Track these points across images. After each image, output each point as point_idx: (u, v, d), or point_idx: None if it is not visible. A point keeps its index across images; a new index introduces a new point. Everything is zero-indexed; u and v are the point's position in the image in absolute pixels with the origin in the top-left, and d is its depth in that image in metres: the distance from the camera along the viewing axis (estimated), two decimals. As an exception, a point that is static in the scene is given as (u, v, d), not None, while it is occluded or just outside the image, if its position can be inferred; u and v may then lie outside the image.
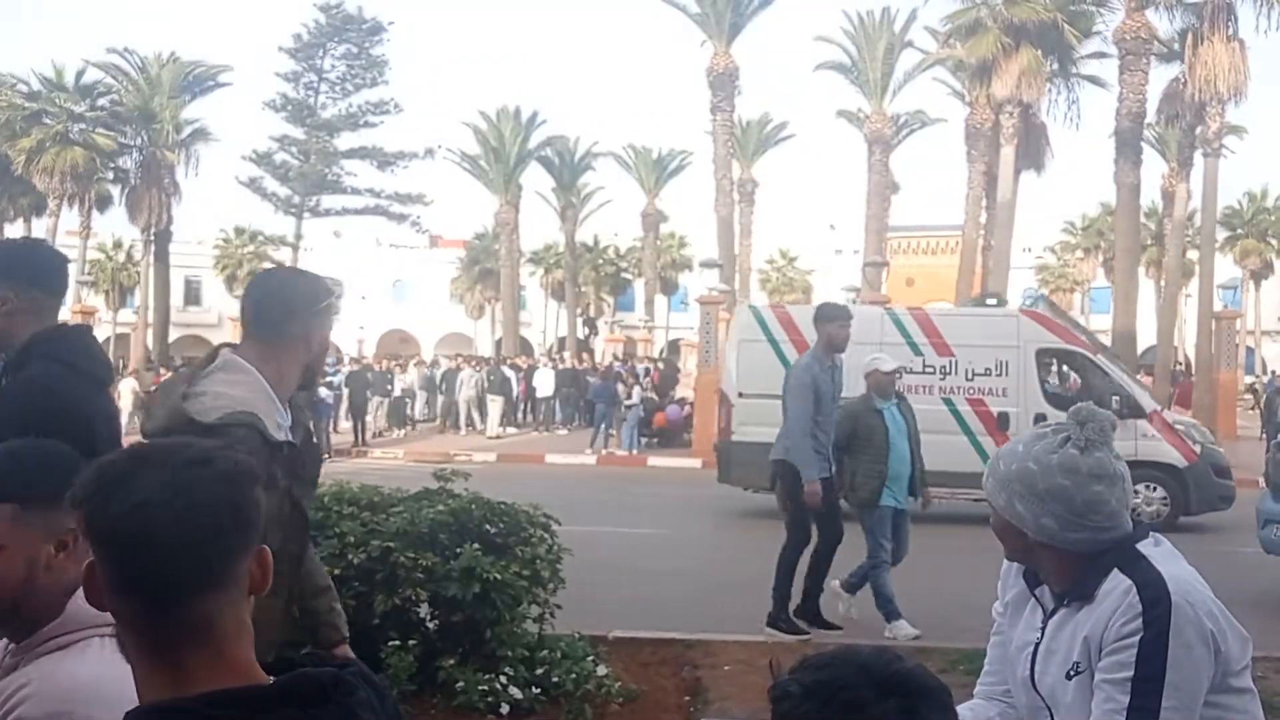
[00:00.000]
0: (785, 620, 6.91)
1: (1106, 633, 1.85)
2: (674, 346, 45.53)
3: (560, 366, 29.66)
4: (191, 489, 1.13)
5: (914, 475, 7.42)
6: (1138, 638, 1.82)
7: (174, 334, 44.84)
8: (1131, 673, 1.81)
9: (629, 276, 57.82)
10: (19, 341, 2.68)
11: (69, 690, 1.48)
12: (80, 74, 38.18)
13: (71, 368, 2.69)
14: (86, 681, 1.50)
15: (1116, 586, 1.88)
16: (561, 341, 51.18)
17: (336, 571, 4.50)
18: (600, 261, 57.58)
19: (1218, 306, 27.71)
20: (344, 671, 1.17)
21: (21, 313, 2.71)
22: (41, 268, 2.84)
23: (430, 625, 4.92)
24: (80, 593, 1.35)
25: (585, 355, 36.64)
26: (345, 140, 40.45)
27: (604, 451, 21.90)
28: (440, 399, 27.90)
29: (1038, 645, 2.00)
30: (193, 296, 59.69)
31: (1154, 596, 1.83)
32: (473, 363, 29.26)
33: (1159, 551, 1.93)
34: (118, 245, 51.86)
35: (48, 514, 1.56)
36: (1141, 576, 1.86)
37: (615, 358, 31.29)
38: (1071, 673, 1.91)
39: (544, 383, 27.74)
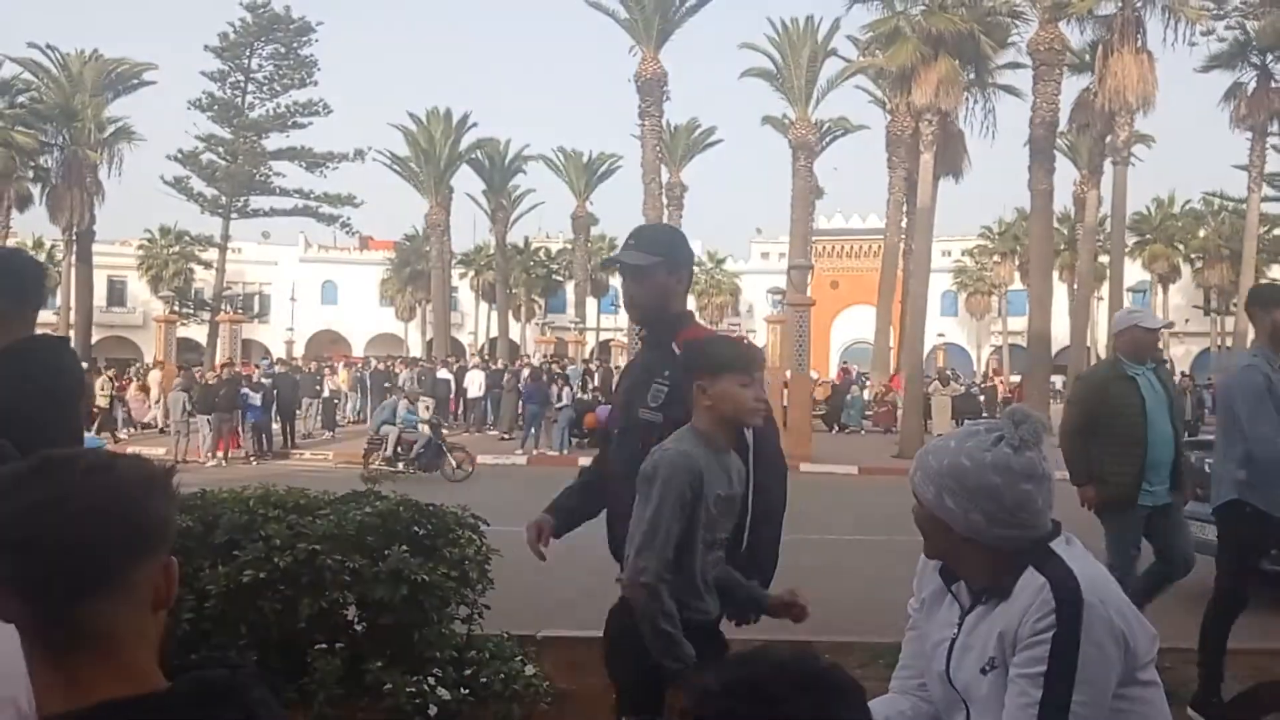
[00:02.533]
0: (1215, 703, 4.97)
1: (1020, 629, 1.88)
2: (604, 347, 45.55)
3: (493, 368, 29.50)
4: (85, 494, 1.11)
5: (1177, 463, 5.58)
6: (1050, 634, 1.85)
7: (97, 334, 43.71)
8: (1044, 668, 1.84)
9: (560, 278, 57.73)
10: None
11: None
12: (-3, 69, 37.03)
13: (32, 381, 2.69)
14: None
15: (1031, 584, 1.91)
16: (493, 343, 50.90)
17: (262, 575, 4.41)
18: (531, 263, 57.41)
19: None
20: (238, 672, 1.16)
21: None
22: (10, 276, 2.80)
23: (358, 628, 4.84)
24: None
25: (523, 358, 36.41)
26: (274, 141, 39.86)
27: (535, 452, 21.82)
28: (371, 400, 27.59)
29: (954, 641, 2.03)
30: (116, 297, 58.25)
31: (1067, 594, 1.87)
32: (406, 364, 28.98)
33: (1071, 551, 1.97)
34: (39, 245, 50.37)
35: None
36: (1055, 574, 1.90)
37: (545, 358, 31.18)
38: (986, 668, 1.94)
39: (474, 384, 27.55)
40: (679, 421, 3.06)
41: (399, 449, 18.61)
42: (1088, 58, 28.46)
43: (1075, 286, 36.09)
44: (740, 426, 3.01)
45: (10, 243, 40.09)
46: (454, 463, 18.25)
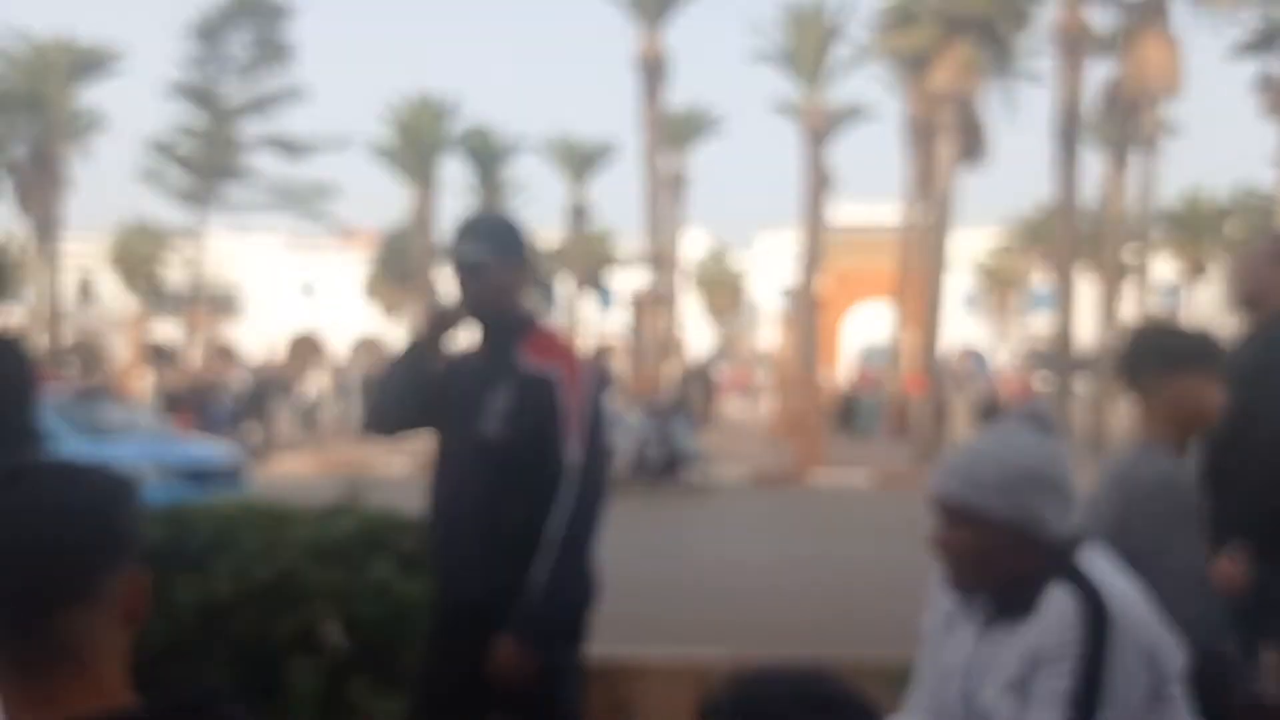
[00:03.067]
0: None
1: (1043, 646, 1.89)
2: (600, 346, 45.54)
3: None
4: (56, 500, 1.13)
5: None
6: (1075, 651, 1.86)
7: (68, 331, 43.73)
8: (1068, 685, 1.85)
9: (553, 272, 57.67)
10: None
11: None
12: (-40, 55, 37.03)
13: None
14: None
15: (1055, 600, 1.92)
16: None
17: (238, 589, 4.42)
18: (525, 258, 57.34)
19: (1154, 305, 28.46)
20: (211, 689, 1.18)
21: None
22: None
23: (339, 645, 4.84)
24: None
25: None
26: (252, 129, 39.79)
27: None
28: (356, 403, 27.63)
29: (973, 660, 2.03)
30: (87, 293, 58.29)
31: (1092, 611, 1.88)
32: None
33: (1097, 565, 1.98)
34: (9, 238, 50.42)
35: None
36: (1080, 590, 1.91)
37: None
38: (1010, 687, 1.95)
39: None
40: (521, 441, 2.93)
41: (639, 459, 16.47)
42: (1115, 41, 28.45)
43: (1100, 282, 36.07)
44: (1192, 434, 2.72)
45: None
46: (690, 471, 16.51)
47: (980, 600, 2.06)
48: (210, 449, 14.17)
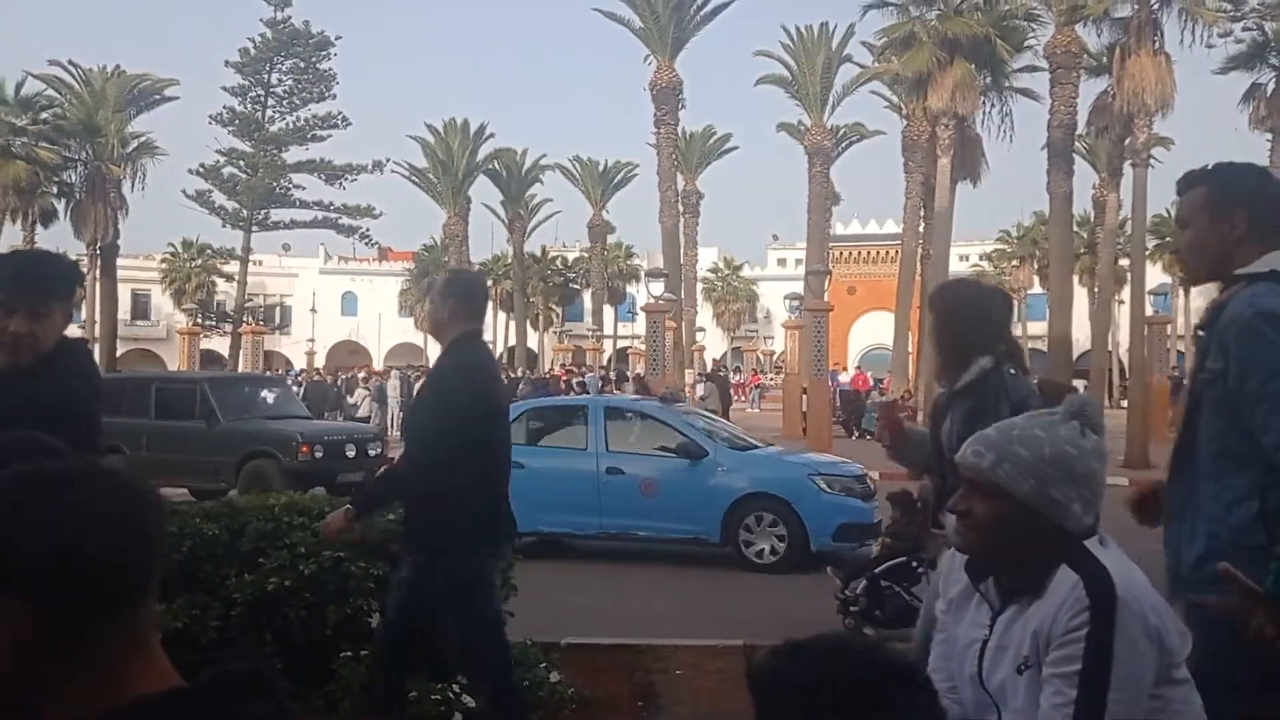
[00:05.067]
0: None
1: (1054, 627, 1.86)
2: (622, 355, 45.54)
3: (512, 375, 29.56)
4: (114, 502, 1.13)
5: None
6: (1084, 632, 1.83)
7: (122, 347, 44.00)
8: (1079, 666, 1.82)
9: (577, 287, 57.81)
10: (44, 349, 2.81)
11: None
12: (20, 86, 37.31)
13: (88, 381, 2.91)
14: None
15: (1064, 581, 1.89)
16: (511, 351, 50.99)
17: (288, 583, 4.42)
18: (548, 272, 57.50)
19: (1149, 312, 28.26)
20: (252, 668, 1.18)
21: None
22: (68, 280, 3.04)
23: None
24: None
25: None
26: (293, 154, 40.03)
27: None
28: (391, 410, 27.65)
29: (985, 642, 2.00)
30: (141, 310, 58.68)
31: (1100, 591, 1.84)
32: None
33: (1105, 550, 1.95)
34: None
35: None
36: (1088, 571, 1.88)
37: (563, 367, 31.20)
38: (1021, 667, 1.92)
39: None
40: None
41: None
42: (1105, 60, 28.28)
43: (1096, 290, 35.87)
44: None
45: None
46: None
47: (990, 582, 2.02)
48: None
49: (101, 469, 1.18)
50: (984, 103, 29.57)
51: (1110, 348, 35.28)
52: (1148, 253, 34.83)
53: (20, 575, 1.07)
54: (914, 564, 6.71)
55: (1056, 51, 25.52)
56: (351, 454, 14.39)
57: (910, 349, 36.06)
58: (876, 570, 7.01)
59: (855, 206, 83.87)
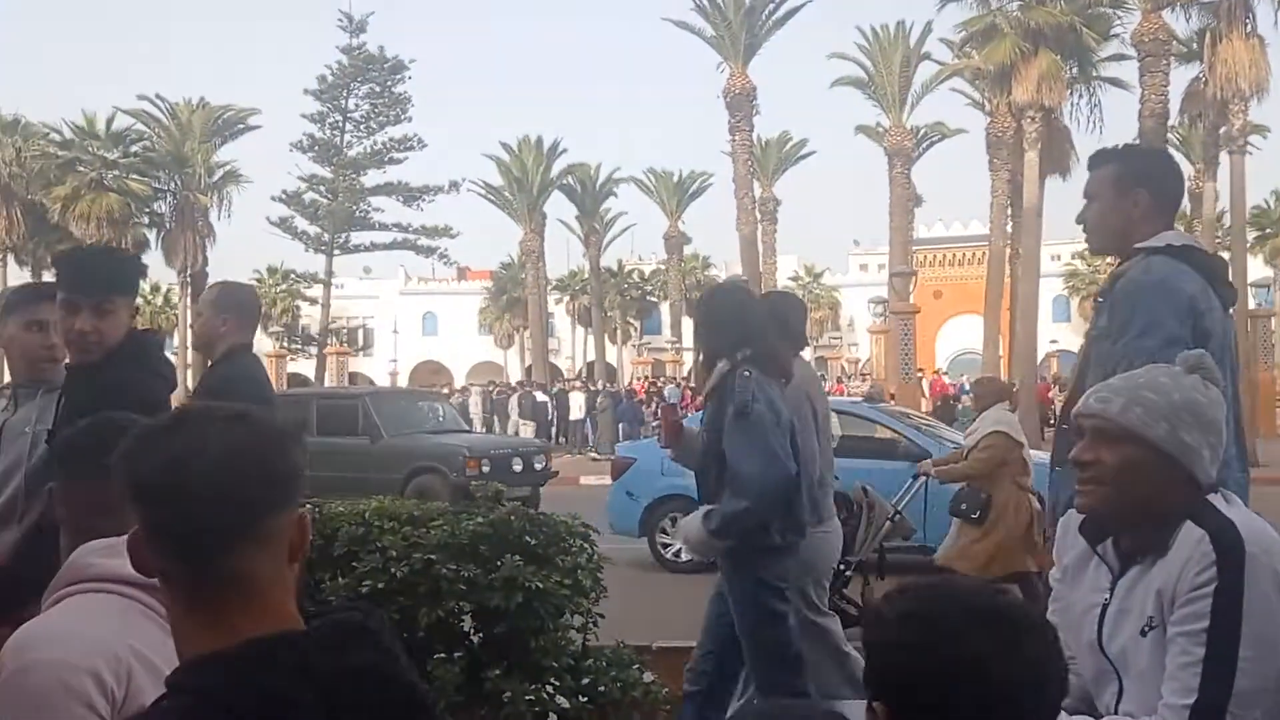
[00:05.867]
0: None
1: (1179, 584, 1.78)
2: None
3: (592, 389, 29.73)
4: (221, 443, 1.14)
5: None
6: (1212, 587, 1.74)
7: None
8: (1207, 623, 1.73)
9: (654, 299, 57.88)
10: (111, 344, 2.89)
11: (26, 636, 1.52)
12: (110, 121, 38.79)
13: (158, 374, 2.99)
14: (43, 628, 1.53)
15: (1189, 537, 1.80)
16: (590, 366, 51.25)
17: (380, 585, 4.47)
18: (625, 286, 57.68)
19: (1251, 305, 27.37)
20: (371, 614, 1.20)
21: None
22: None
23: (475, 637, 4.87)
24: (79, 553, 1.39)
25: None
26: (371, 177, 40.83)
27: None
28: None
29: (1105, 607, 1.93)
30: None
31: (1227, 544, 1.76)
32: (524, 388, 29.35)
33: (1230, 505, 1.87)
34: (155, 289, 52.49)
35: None
36: (1214, 525, 1.79)
37: (645, 379, 31.28)
38: (1145, 629, 1.83)
39: (575, 406, 27.78)
40: None
41: None
42: (1195, 46, 27.54)
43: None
44: None
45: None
46: None
47: (1108, 545, 1.94)
48: None
49: (206, 410, 1.20)
50: (1071, 94, 28.98)
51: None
52: (1248, 244, 33.79)
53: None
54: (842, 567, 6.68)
55: (1144, 39, 24.93)
56: (518, 468, 14.23)
57: (1001, 352, 35.38)
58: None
59: (938, 208, 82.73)
